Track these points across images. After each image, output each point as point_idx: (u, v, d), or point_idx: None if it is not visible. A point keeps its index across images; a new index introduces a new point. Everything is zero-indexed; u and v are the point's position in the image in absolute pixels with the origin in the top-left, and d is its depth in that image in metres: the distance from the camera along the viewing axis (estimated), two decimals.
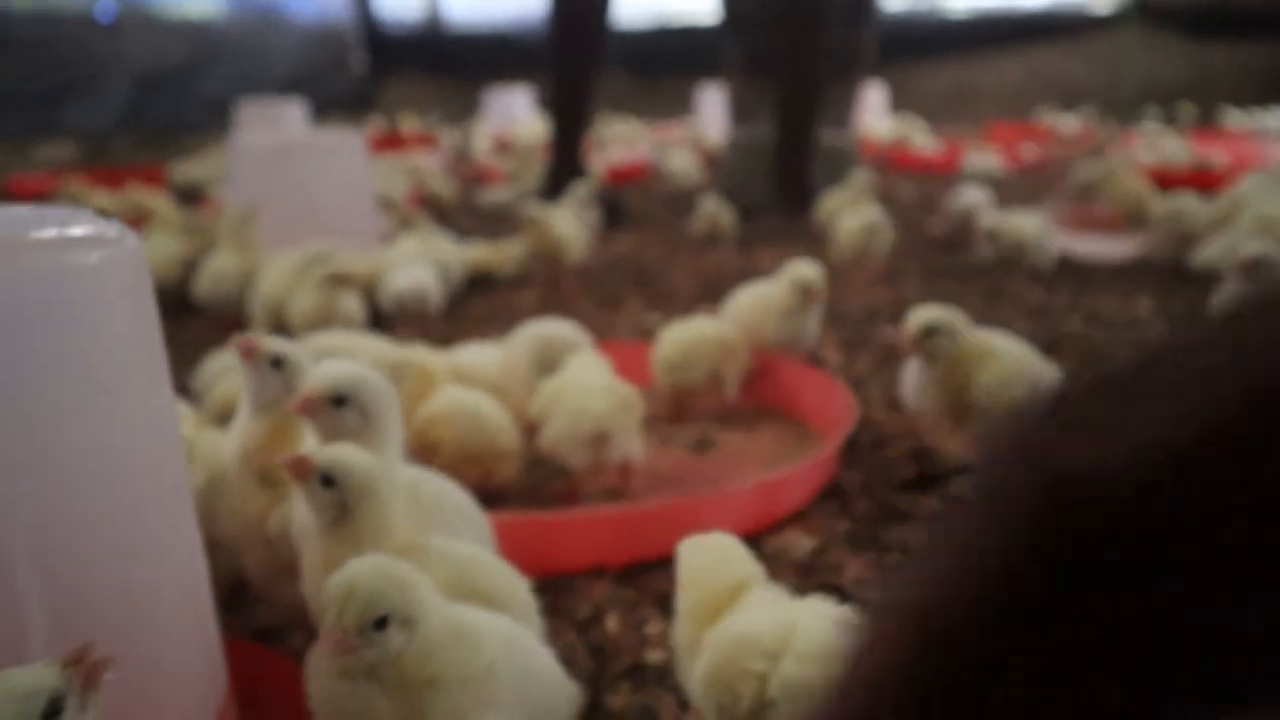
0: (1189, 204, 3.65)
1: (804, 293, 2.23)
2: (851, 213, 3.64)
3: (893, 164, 7.29)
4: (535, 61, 5.72)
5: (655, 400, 2.19)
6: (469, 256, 3.64)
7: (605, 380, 1.80)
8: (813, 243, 4.15)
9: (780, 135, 4.69)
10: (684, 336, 2.18)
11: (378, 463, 1.18)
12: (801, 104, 4.62)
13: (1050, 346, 2.70)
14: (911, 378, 1.92)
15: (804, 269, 2.26)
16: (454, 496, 1.34)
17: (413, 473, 1.32)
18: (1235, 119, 9.83)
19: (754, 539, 1.58)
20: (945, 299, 3.23)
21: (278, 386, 1.34)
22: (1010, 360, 1.85)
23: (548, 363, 1.97)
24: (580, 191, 4.31)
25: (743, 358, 2.23)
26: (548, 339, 2.05)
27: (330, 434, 1.25)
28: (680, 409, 2.23)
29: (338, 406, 1.25)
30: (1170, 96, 10.54)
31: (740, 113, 5.28)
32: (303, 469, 1.13)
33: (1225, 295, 2.67)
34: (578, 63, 4.73)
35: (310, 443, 1.29)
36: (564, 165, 4.79)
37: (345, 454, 1.16)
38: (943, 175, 6.41)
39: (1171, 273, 3.48)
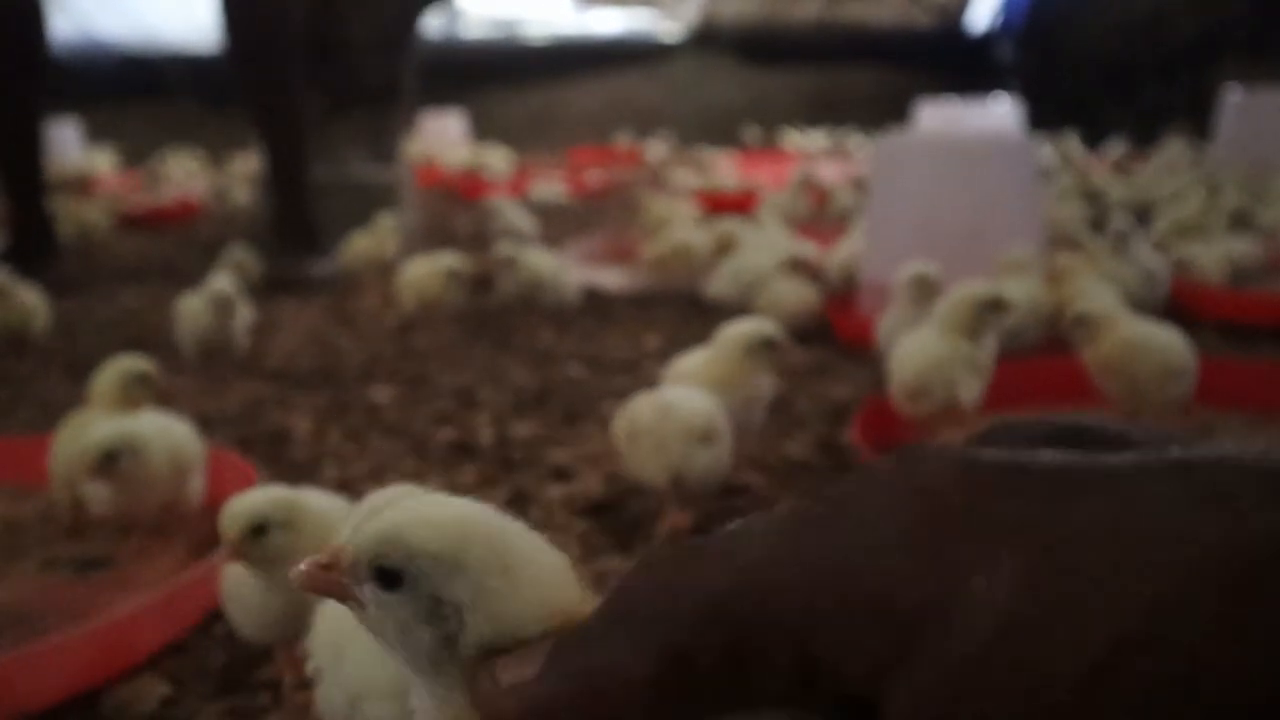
0: (695, 236, 3.75)
1: None
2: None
3: (463, 193, 7.19)
4: None
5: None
6: None
7: None
8: (339, 293, 3.94)
9: (273, 174, 4.38)
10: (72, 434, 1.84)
11: None
12: (282, 139, 4.27)
13: (540, 395, 2.62)
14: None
15: None
16: None
17: None
18: (792, 140, 10.63)
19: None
20: (453, 350, 3.11)
21: None
22: None
23: None
24: None
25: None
26: None
27: None
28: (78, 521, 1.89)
29: None
30: (731, 119, 11.25)
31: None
32: None
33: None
34: (8, 95, 4.17)
35: None
36: (27, 220, 4.23)
37: None
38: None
39: (686, 303, 3.53)
